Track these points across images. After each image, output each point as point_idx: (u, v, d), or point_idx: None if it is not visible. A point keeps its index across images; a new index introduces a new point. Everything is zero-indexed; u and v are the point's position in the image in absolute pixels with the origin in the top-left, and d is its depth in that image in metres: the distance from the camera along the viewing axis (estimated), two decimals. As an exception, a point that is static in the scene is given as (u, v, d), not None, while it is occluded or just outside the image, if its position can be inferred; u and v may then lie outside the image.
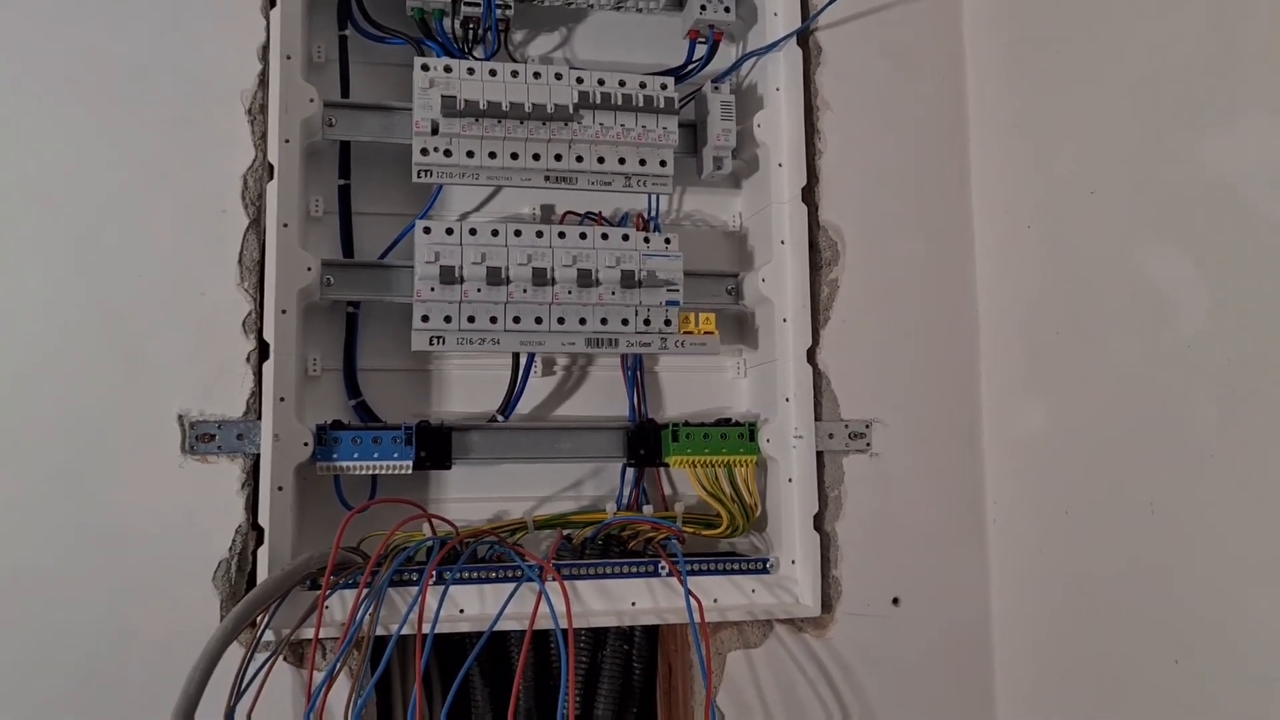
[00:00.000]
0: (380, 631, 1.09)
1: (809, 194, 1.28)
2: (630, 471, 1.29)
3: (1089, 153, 1.12)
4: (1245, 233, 0.93)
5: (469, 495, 1.28)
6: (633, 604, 1.19)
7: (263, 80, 1.16)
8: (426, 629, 1.06)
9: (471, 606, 1.15)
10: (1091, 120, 1.12)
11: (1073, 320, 1.14)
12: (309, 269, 1.16)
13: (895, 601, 1.24)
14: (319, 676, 1.03)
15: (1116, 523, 1.07)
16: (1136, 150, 1.05)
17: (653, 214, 1.32)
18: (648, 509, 1.25)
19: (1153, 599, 1.02)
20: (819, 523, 1.23)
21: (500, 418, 1.26)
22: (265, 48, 1.16)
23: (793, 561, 1.23)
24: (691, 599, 1.11)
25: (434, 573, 1.12)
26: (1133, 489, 1.04)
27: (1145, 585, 1.03)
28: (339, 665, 1.04)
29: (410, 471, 1.17)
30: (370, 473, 1.18)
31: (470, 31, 1.27)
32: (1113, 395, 1.08)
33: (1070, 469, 1.14)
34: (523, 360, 1.26)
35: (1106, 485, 1.08)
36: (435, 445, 1.20)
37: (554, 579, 1.10)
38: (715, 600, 1.21)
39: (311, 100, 1.17)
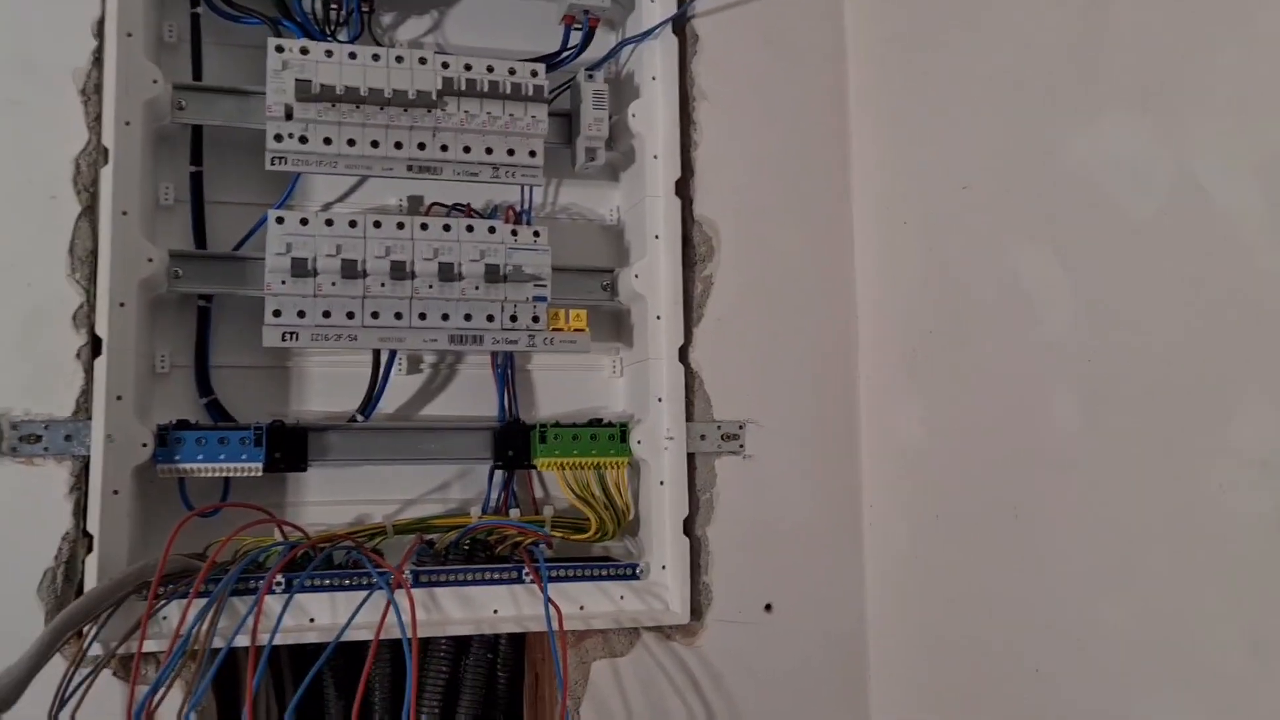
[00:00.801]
0: (219, 642, 1.03)
1: (684, 187, 1.24)
2: (498, 474, 1.24)
3: (961, 148, 1.10)
4: (1108, 231, 0.90)
5: (329, 498, 1.22)
6: (495, 611, 1.14)
7: (97, 58, 1.09)
8: (264, 640, 1.00)
9: (323, 615, 1.09)
10: (964, 115, 1.09)
11: (946, 320, 1.12)
12: (150, 260, 1.09)
13: (768, 608, 1.21)
14: (142, 691, 0.97)
15: (984, 528, 1.04)
16: (1005, 146, 1.03)
17: (525, 207, 1.27)
18: (515, 513, 1.21)
19: (1016, 606, 1.00)
20: (689, 527, 1.20)
21: (360, 417, 1.20)
22: (100, 23, 1.09)
23: (663, 567, 1.19)
24: (551, 607, 1.07)
25: (280, 579, 1.06)
26: (999, 493, 1.02)
27: (1010, 591, 1.01)
28: (169, 679, 0.99)
29: (261, 474, 1.12)
30: (218, 475, 1.12)
31: (332, 12, 1.21)
32: (982, 397, 1.06)
33: (943, 472, 1.12)
34: (383, 357, 1.21)
35: (975, 489, 1.06)
36: (290, 446, 1.14)
37: (405, 587, 1.05)
38: (581, 607, 1.16)
39: (155, 81, 1.11)
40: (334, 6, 1.21)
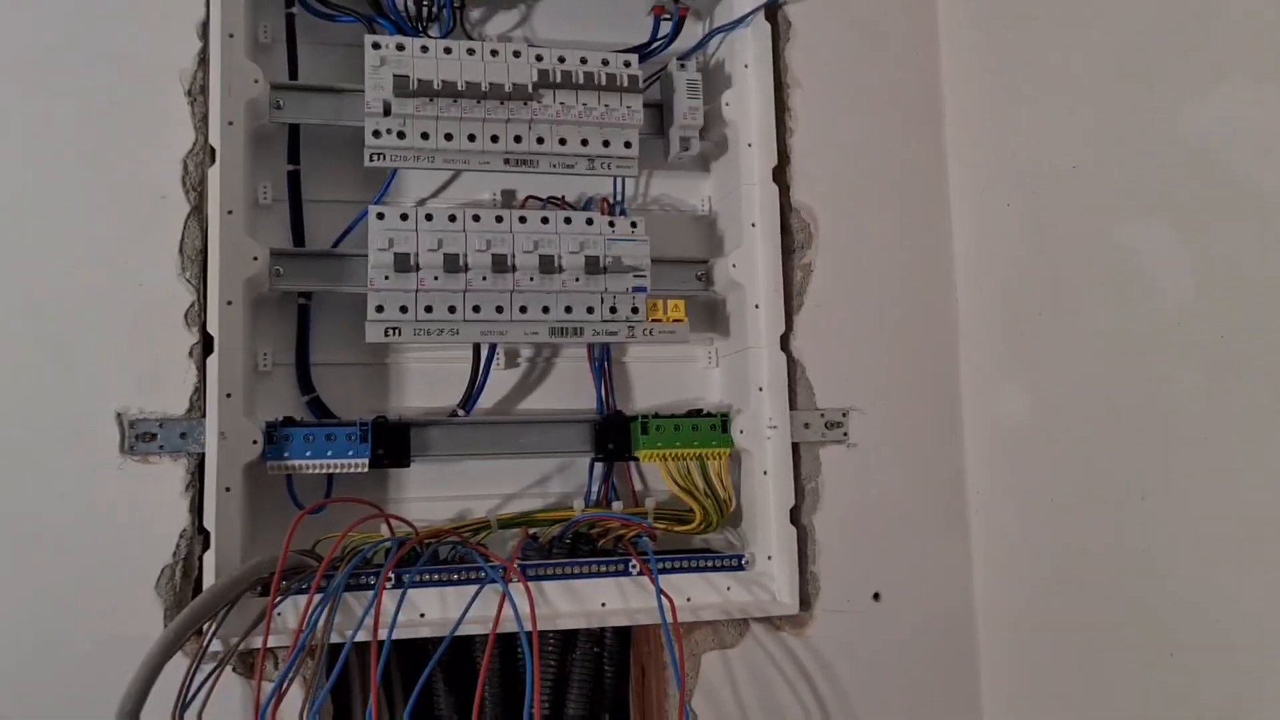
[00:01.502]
0: (335, 638, 1.03)
1: (780, 174, 1.23)
2: (598, 466, 1.24)
3: (1068, 128, 1.08)
4: (1230, 202, 0.89)
5: (430, 494, 1.22)
6: (602, 605, 1.13)
7: (203, 59, 1.10)
8: (383, 635, 1.00)
9: (432, 610, 1.09)
10: (1068, 92, 1.08)
11: (1054, 300, 1.10)
12: (255, 258, 1.10)
13: (876, 597, 1.20)
14: (268, 687, 0.97)
15: (1104, 509, 1.02)
16: (1117, 122, 1.01)
17: (618, 198, 1.27)
18: (617, 505, 1.20)
19: (1144, 588, 0.98)
20: (795, 516, 1.18)
21: (461, 412, 1.20)
22: (205, 25, 1.10)
23: (769, 557, 1.18)
24: (663, 598, 1.06)
25: (391, 575, 1.06)
26: (1121, 474, 1.00)
27: (1135, 574, 0.99)
28: (290, 675, 0.99)
29: (366, 470, 1.12)
30: (324, 471, 1.12)
31: (424, 9, 1.22)
32: (1097, 376, 1.03)
33: (1054, 454, 1.10)
34: (484, 352, 1.21)
35: (1093, 470, 1.04)
36: (393, 442, 1.14)
37: (518, 580, 1.05)
38: (689, 599, 1.16)
39: (256, 81, 1.12)
40: (425, 3, 1.21)
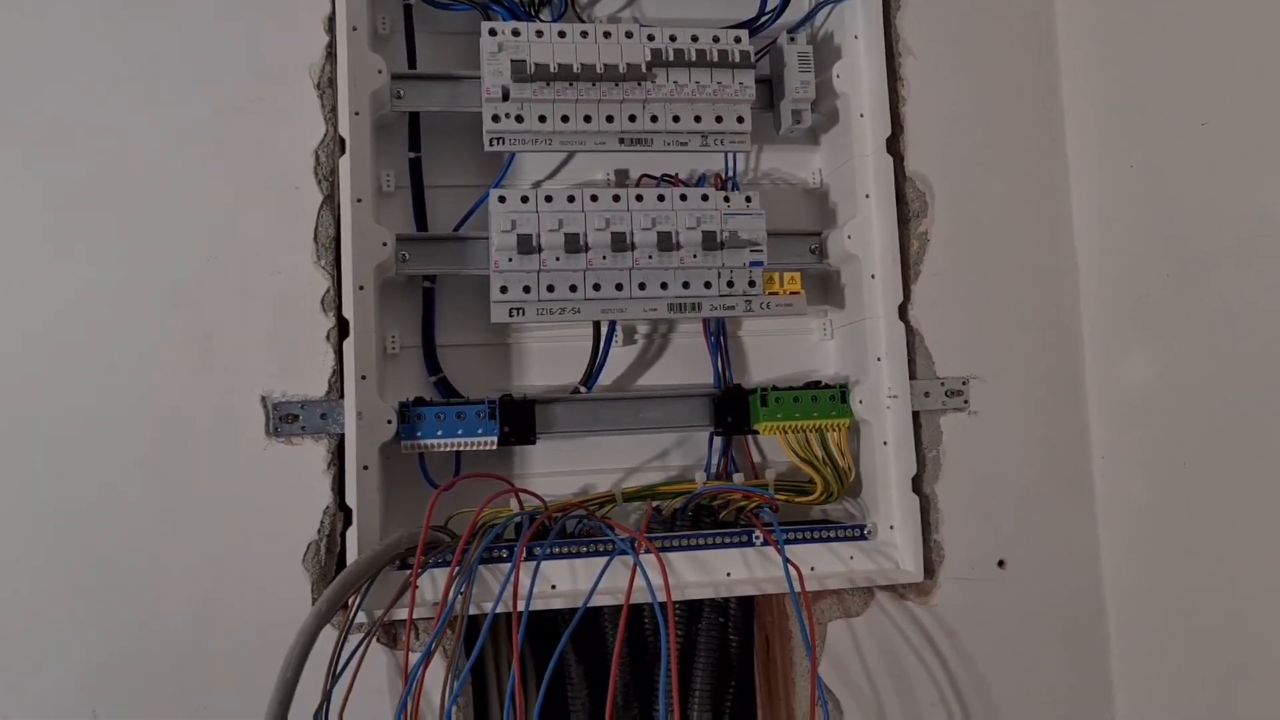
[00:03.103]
0: (473, 610, 1.07)
1: (894, 144, 1.22)
2: (718, 440, 1.25)
3: (1197, 81, 1.05)
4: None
5: (554, 469, 1.25)
6: (728, 574, 1.15)
7: (330, 53, 1.14)
8: (521, 606, 1.03)
9: (563, 582, 1.12)
10: (1198, 45, 1.05)
11: (1182, 263, 1.08)
12: (384, 244, 1.13)
13: (1001, 564, 1.19)
14: (414, 658, 1.01)
15: (1241, 476, 1.00)
16: (1251, 73, 0.99)
17: (730, 173, 1.27)
18: (738, 477, 1.22)
19: (1284, 555, 0.96)
20: (918, 485, 1.19)
21: (583, 389, 1.22)
22: (331, 19, 1.14)
23: (891, 526, 1.19)
24: (790, 567, 1.07)
25: (525, 549, 1.09)
26: (1258, 441, 0.98)
27: (1274, 545, 0.97)
28: (434, 645, 1.02)
29: (495, 447, 1.15)
30: (455, 449, 1.15)
31: (537, -6, 1.24)
32: (1229, 341, 1.02)
33: (1186, 419, 1.08)
34: (604, 329, 1.23)
35: (1227, 438, 1.02)
36: (519, 419, 1.17)
37: (649, 551, 1.07)
38: (813, 569, 1.17)
39: (380, 71, 1.15)
40: (537, -13, 1.23)
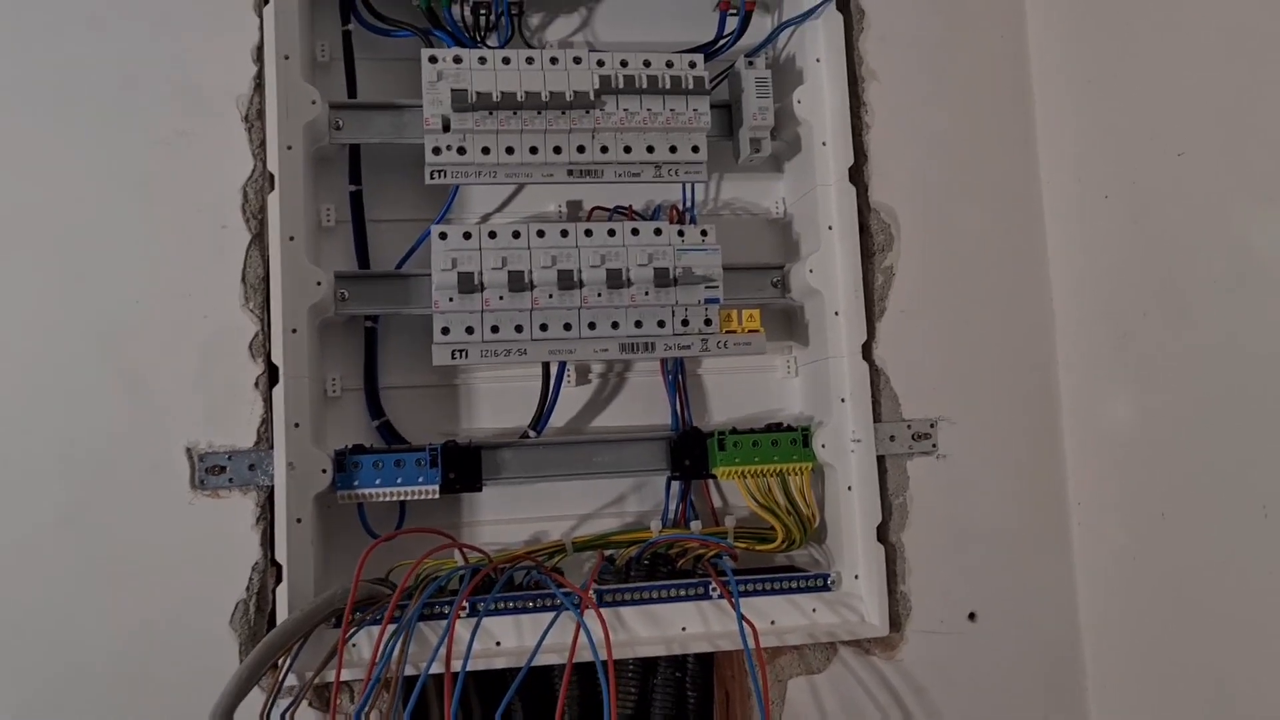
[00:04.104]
0: (410, 670, 1.01)
1: (857, 173, 1.16)
2: (675, 484, 1.19)
3: (1173, 110, 0.99)
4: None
5: (505, 516, 1.19)
6: (683, 629, 1.09)
7: (258, 84, 1.08)
8: (457, 666, 0.97)
9: (509, 639, 1.07)
10: (1176, 72, 0.99)
11: (1162, 299, 1.02)
12: (319, 283, 1.08)
13: (972, 617, 1.13)
14: (341, 723, 0.95)
15: (1223, 527, 0.94)
16: (1228, 103, 0.93)
17: (688, 204, 1.22)
18: (696, 524, 1.16)
19: (1267, 614, 0.90)
20: (883, 533, 1.13)
21: (532, 433, 1.17)
22: (260, 48, 1.08)
23: (855, 576, 1.12)
24: (745, 624, 1.01)
25: (465, 603, 1.04)
26: (1240, 488, 0.92)
27: (1258, 598, 0.91)
28: (366, 709, 0.97)
29: (437, 496, 1.09)
30: (395, 499, 1.10)
31: (482, 18, 1.18)
32: (1212, 382, 0.96)
33: (1166, 466, 1.02)
34: (553, 370, 1.17)
35: (1209, 484, 0.96)
36: (464, 466, 1.11)
37: (593, 608, 1.01)
38: (773, 622, 1.11)
39: (314, 102, 1.10)
40: (483, 12, 1.18)
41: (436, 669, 0.98)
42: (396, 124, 1.14)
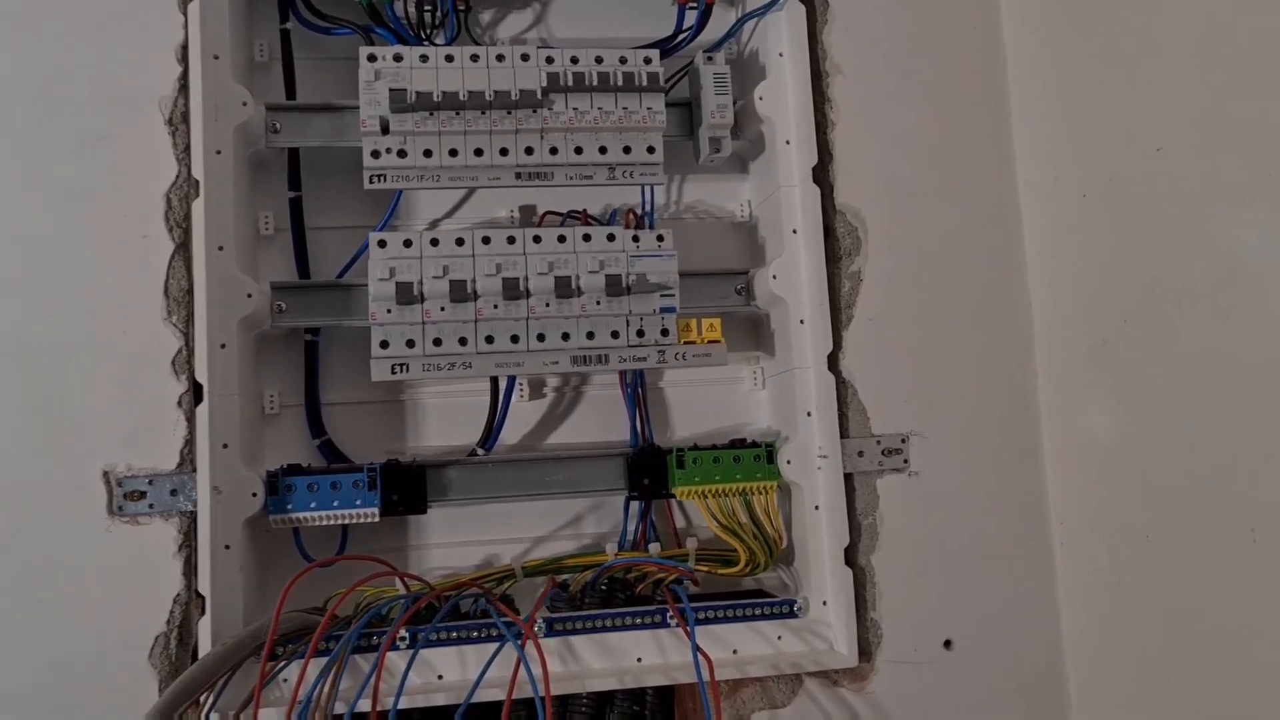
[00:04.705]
0: (340, 708, 0.94)
1: (822, 173, 1.10)
2: (635, 505, 1.13)
3: (1152, 105, 0.93)
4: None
5: (453, 539, 1.13)
6: (638, 660, 1.03)
7: (183, 85, 1.02)
8: (387, 704, 0.91)
9: (452, 672, 1.00)
10: (1154, 66, 0.92)
11: (1143, 305, 0.95)
12: (249, 295, 1.02)
13: (947, 644, 1.06)
14: (263, 767, 0.89)
15: (1210, 550, 0.87)
16: (1209, 99, 0.86)
17: (647, 208, 1.15)
18: (654, 547, 1.09)
19: (1255, 640, 0.83)
20: (851, 556, 1.06)
21: (481, 451, 1.10)
22: (184, 48, 1.03)
23: (824, 602, 1.06)
24: (700, 656, 0.95)
25: (404, 634, 0.98)
26: (1228, 509, 0.85)
27: (1247, 624, 0.84)
28: (291, 750, 0.91)
29: (377, 519, 1.03)
30: (333, 523, 1.03)
31: (427, 15, 1.12)
32: (1196, 394, 0.89)
33: (1149, 483, 0.95)
34: (502, 384, 1.11)
35: (1195, 504, 0.89)
36: (407, 486, 1.06)
37: (534, 642, 0.94)
38: (735, 651, 1.04)
39: (245, 104, 1.04)
40: (428, 9, 1.12)
41: (366, 705, 0.92)
42: (337, 126, 1.09)
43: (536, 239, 1.06)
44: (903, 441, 1.08)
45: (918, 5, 1.14)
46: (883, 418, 1.08)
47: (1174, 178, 0.90)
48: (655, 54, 1.09)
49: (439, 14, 1.13)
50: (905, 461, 1.08)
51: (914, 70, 1.13)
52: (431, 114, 1.04)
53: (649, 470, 1.09)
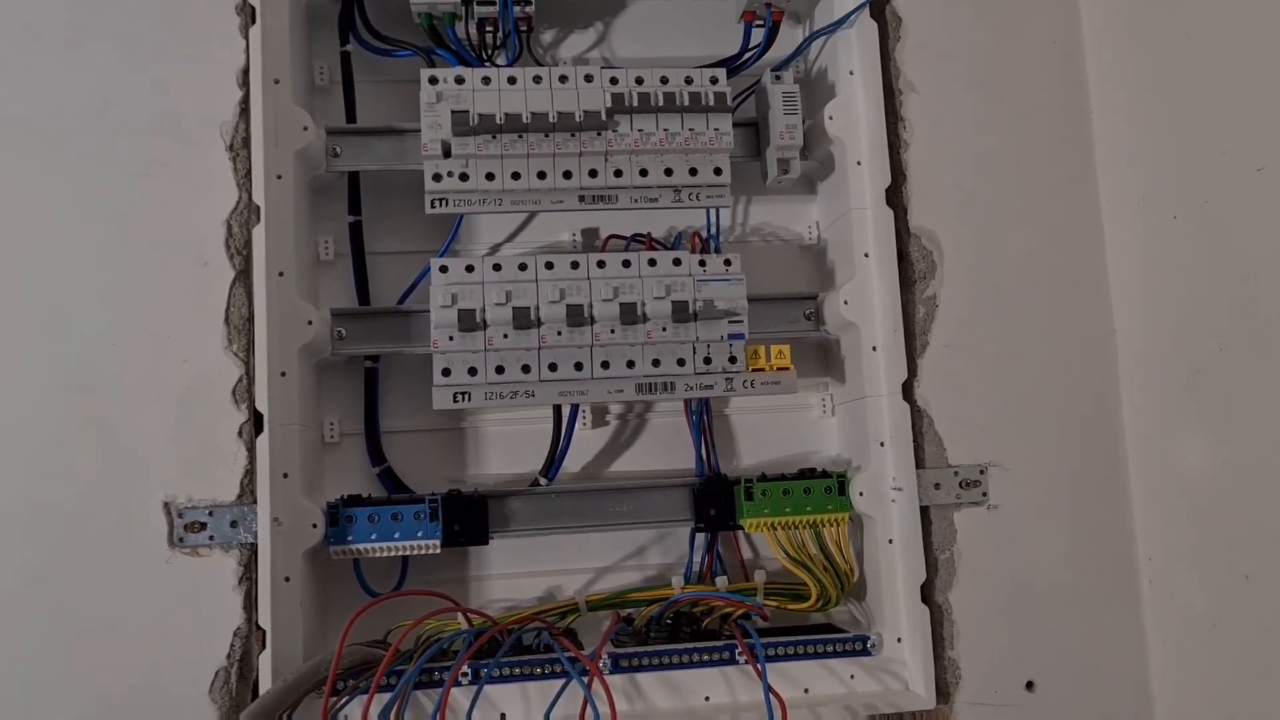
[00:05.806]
0: (403, 747, 0.92)
1: (895, 195, 1.06)
2: (700, 536, 1.09)
3: (1252, 121, 0.88)
4: None
5: (515, 569, 1.10)
6: (706, 699, 1.00)
7: (244, 109, 1.01)
8: (450, 748, 0.89)
9: (515, 710, 0.98)
10: (1254, 80, 0.88)
11: (1240, 331, 0.90)
12: (310, 322, 1.00)
13: (1029, 686, 1.02)
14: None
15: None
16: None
17: (712, 231, 1.12)
18: (722, 580, 1.05)
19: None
20: (928, 592, 1.02)
21: (544, 480, 1.08)
22: (245, 72, 1.01)
23: (898, 640, 1.02)
24: (772, 696, 0.91)
25: (466, 670, 0.95)
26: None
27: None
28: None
29: (439, 550, 1.01)
30: (394, 554, 1.01)
31: (489, 36, 1.10)
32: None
33: (1249, 520, 0.90)
34: (565, 412, 1.08)
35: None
36: (469, 517, 1.03)
37: (599, 681, 0.91)
38: (806, 690, 1.01)
39: (306, 128, 1.02)
40: (490, 29, 1.10)
41: (429, 746, 0.90)
42: (398, 149, 1.07)
43: (601, 264, 1.03)
44: (981, 473, 1.04)
45: (994, 18, 1.10)
46: (960, 448, 1.04)
47: (1277, 198, 0.85)
48: (721, 73, 1.06)
49: (500, 35, 1.10)
50: (984, 494, 1.03)
51: (991, 86, 1.09)
52: (494, 136, 1.02)
53: (716, 501, 1.06)
